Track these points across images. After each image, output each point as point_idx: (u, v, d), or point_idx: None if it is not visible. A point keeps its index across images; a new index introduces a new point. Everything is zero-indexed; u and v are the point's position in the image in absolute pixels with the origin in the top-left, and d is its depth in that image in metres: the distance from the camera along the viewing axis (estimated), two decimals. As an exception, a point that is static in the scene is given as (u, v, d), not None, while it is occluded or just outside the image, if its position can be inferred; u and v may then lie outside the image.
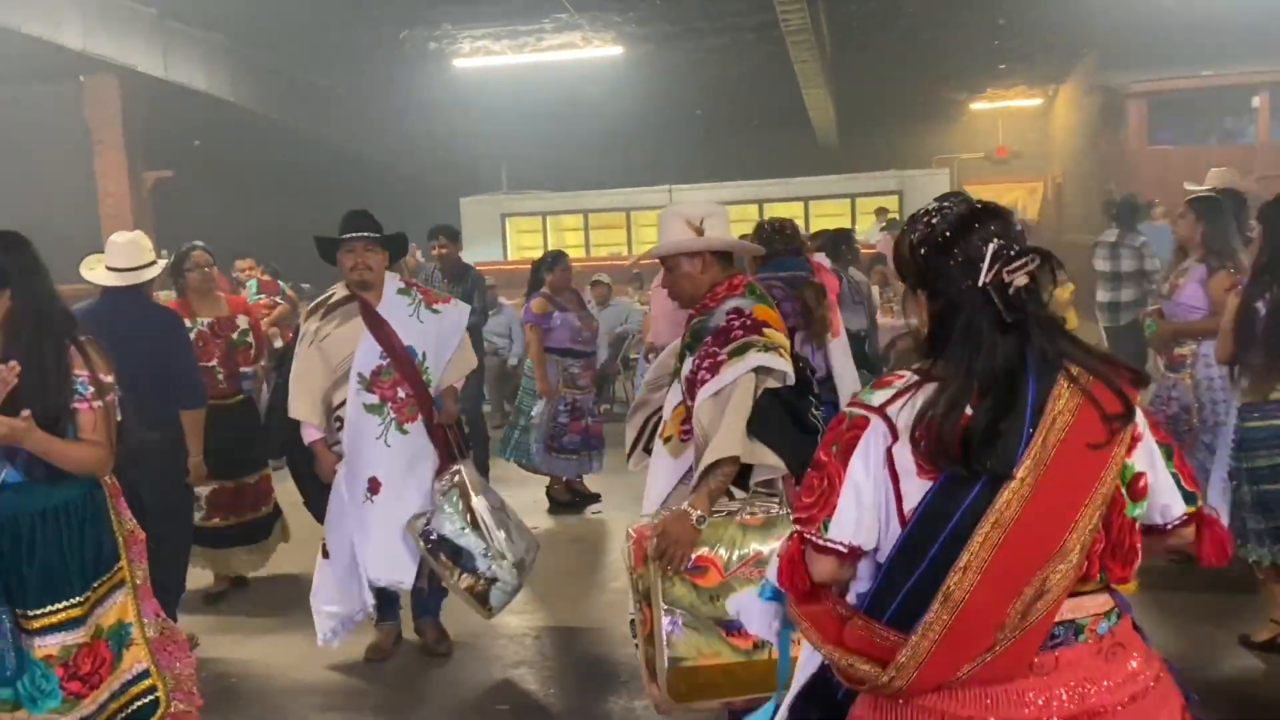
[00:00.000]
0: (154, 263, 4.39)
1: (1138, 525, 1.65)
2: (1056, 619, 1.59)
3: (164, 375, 4.18)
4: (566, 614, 4.79)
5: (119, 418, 2.83)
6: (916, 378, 1.68)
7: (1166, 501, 1.68)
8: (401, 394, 4.05)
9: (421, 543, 3.97)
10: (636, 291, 11.57)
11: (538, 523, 6.29)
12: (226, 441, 4.77)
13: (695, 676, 2.63)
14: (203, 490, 4.97)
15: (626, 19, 13.62)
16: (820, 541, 1.67)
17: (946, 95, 19.15)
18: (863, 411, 1.68)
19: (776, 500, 2.87)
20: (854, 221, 15.72)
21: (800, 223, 13.57)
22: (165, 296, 5.71)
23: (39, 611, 2.69)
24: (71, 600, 2.72)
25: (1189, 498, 1.69)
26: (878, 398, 1.68)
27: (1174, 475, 1.68)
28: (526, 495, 6.67)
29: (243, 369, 5.32)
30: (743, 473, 2.86)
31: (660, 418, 3.19)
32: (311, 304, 4.23)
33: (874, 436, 1.65)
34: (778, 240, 4.44)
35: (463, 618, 4.39)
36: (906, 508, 1.62)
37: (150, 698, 2.87)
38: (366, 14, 13.27)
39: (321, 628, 4.16)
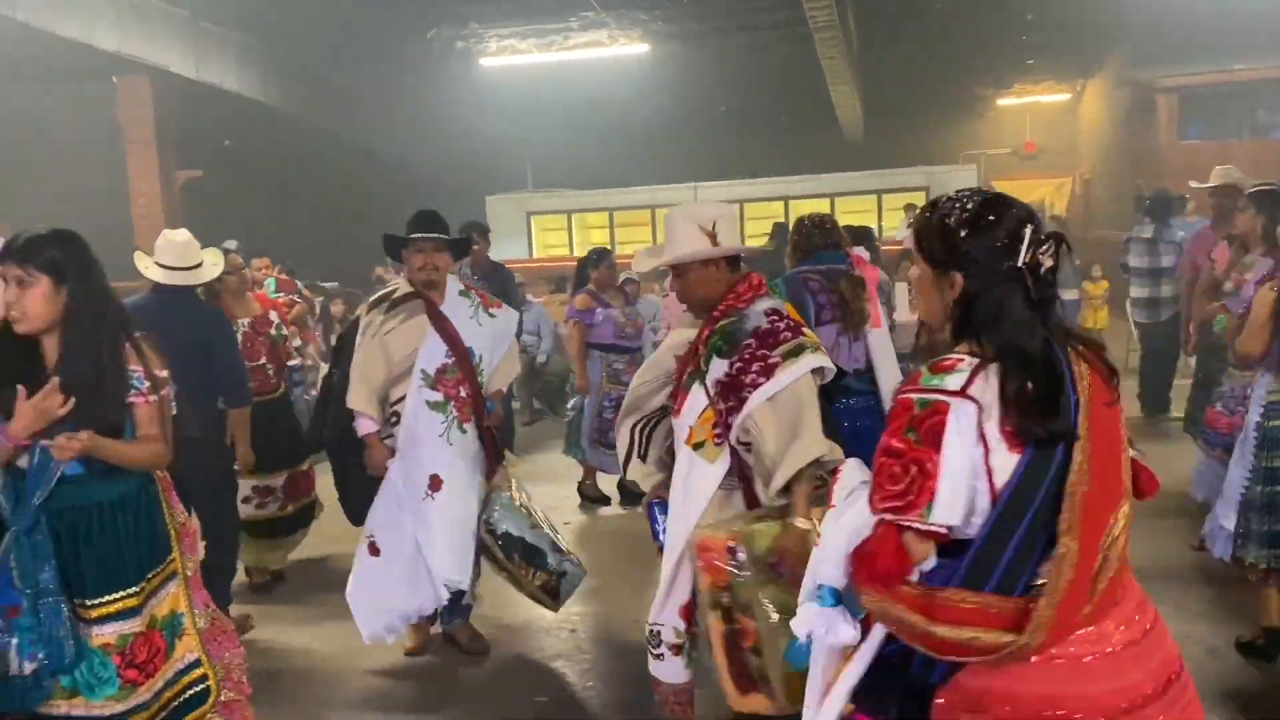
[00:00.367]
0: (201, 264, 4.47)
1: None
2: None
3: (208, 371, 4.31)
4: (601, 607, 4.83)
5: (174, 411, 2.88)
6: (975, 359, 1.76)
7: None
8: (463, 393, 4.11)
9: (495, 543, 4.02)
10: (660, 286, 11.61)
11: (569, 518, 6.34)
12: (279, 434, 4.90)
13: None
14: (258, 482, 5.11)
15: (653, 17, 13.66)
16: (923, 527, 1.72)
17: (974, 91, 19.07)
18: (941, 397, 1.73)
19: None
20: (880, 218, 15.69)
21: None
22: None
23: (96, 601, 2.74)
24: (128, 590, 2.77)
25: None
26: (953, 381, 1.74)
27: None
28: (559, 491, 6.73)
29: (290, 364, 5.45)
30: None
31: (651, 424, 3.19)
32: (373, 298, 4.22)
33: (962, 418, 1.72)
34: (817, 235, 4.46)
35: (497, 610, 4.44)
36: (998, 483, 1.72)
37: (201, 686, 2.92)
38: (395, 14, 13.38)
39: (369, 625, 4.14)
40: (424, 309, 4.10)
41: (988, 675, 1.74)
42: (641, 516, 3.46)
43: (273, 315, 5.45)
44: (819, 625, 1.88)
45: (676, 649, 3.07)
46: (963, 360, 1.76)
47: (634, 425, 3.26)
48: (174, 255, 4.40)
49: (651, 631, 3.11)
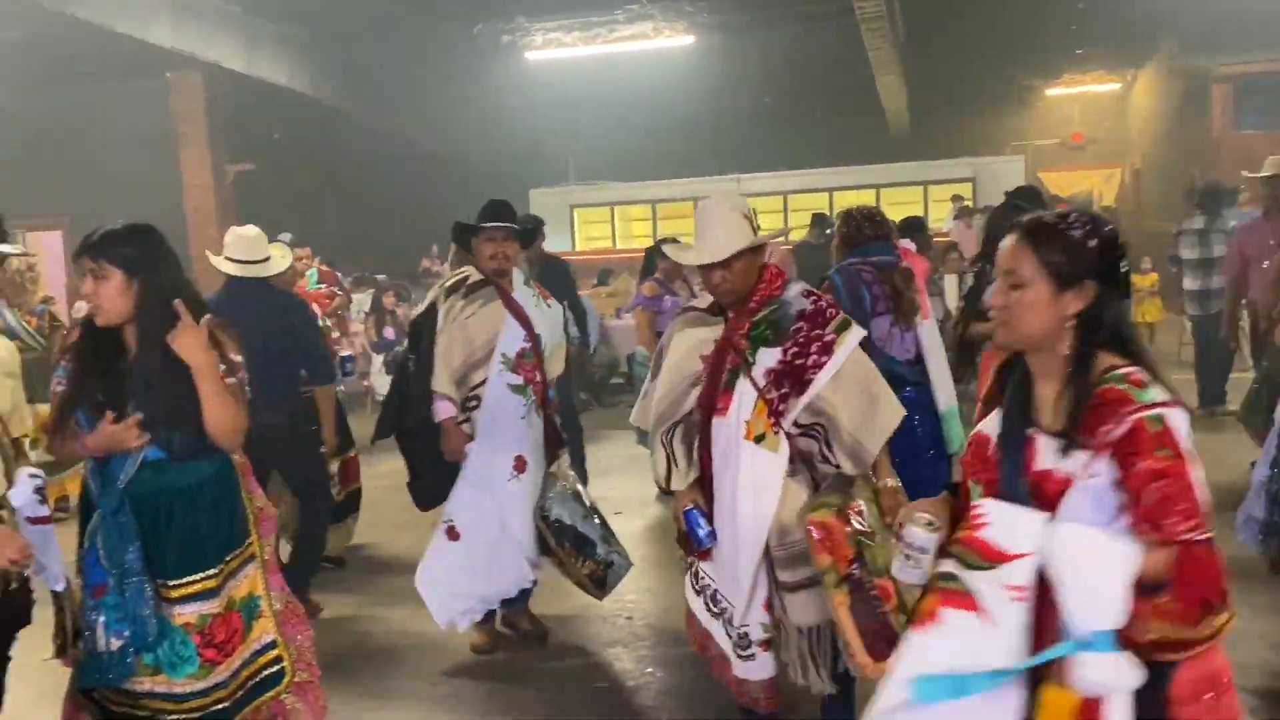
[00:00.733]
0: (269, 258, 4.63)
1: None
2: None
3: (292, 358, 4.51)
4: (656, 595, 4.89)
5: (248, 396, 2.96)
6: (1136, 368, 1.86)
7: None
8: (538, 377, 4.22)
9: (548, 530, 4.09)
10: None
11: (619, 508, 6.39)
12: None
13: None
14: None
15: (698, 8, 13.65)
16: (1205, 538, 1.78)
17: (1021, 81, 18.84)
18: (1165, 410, 1.81)
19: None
20: (926, 209, 15.57)
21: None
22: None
23: (177, 582, 2.81)
24: (207, 572, 2.84)
25: None
26: (1162, 392, 1.83)
27: None
28: (606, 481, 6.78)
29: (344, 354, 5.55)
30: None
31: (682, 428, 3.13)
32: (448, 284, 4.27)
33: (1183, 425, 1.82)
34: (868, 227, 4.48)
35: (554, 598, 4.50)
36: None
37: (277, 667, 2.97)
38: (442, 9, 13.47)
39: (445, 611, 4.19)
40: (498, 295, 4.19)
41: (1213, 654, 1.85)
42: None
43: (314, 308, 5.56)
44: (1113, 673, 1.76)
45: (766, 644, 3.08)
46: (1135, 369, 1.85)
47: (663, 435, 3.20)
48: (245, 249, 4.55)
49: (739, 635, 3.08)
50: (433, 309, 4.19)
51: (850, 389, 2.94)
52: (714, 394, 3.05)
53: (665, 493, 3.28)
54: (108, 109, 15.28)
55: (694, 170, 17.44)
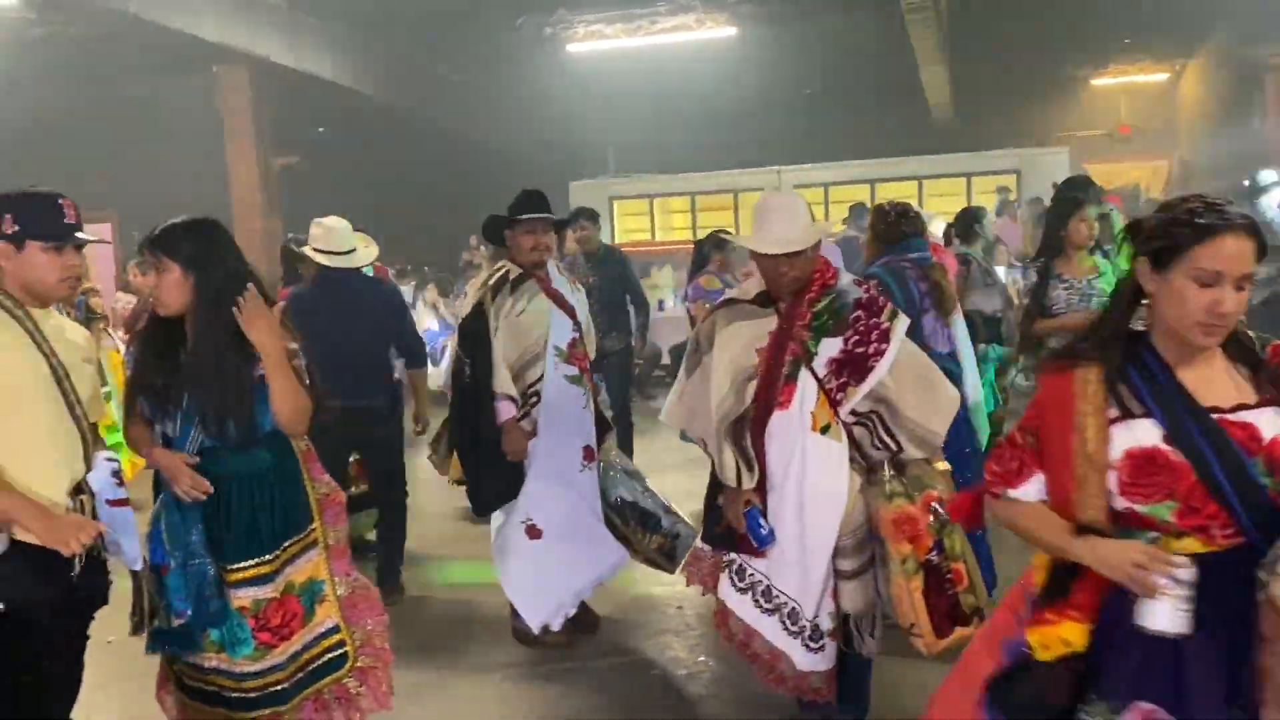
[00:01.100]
0: (355, 250, 4.76)
1: None
2: None
3: (383, 344, 4.75)
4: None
5: (307, 382, 2.98)
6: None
7: None
8: (588, 365, 4.24)
9: (613, 512, 4.11)
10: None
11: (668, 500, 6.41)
12: None
13: None
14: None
15: (741, 0, 13.61)
16: None
17: (1067, 71, 18.62)
18: None
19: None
20: (969, 201, 15.42)
21: (913, 203, 13.40)
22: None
23: (235, 566, 2.88)
24: (262, 558, 2.90)
25: None
26: None
27: None
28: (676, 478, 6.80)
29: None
30: None
31: (740, 422, 3.08)
32: (490, 282, 4.21)
33: None
34: (904, 223, 4.49)
35: (606, 590, 4.51)
36: None
37: (339, 651, 3.02)
38: (485, 2, 13.53)
39: (539, 612, 4.15)
40: (540, 288, 4.17)
41: None
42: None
43: None
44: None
45: (834, 633, 3.11)
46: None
47: (727, 434, 3.12)
48: (333, 241, 4.69)
49: (813, 628, 3.09)
50: (480, 311, 4.12)
51: (908, 375, 3.01)
52: (774, 387, 3.04)
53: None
54: (157, 103, 15.52)
55: (734, 162, 17.38)
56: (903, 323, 3.05)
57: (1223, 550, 1.82)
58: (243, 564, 2.89)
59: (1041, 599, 1.98)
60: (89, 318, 6.52)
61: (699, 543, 3.50)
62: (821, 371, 2.99)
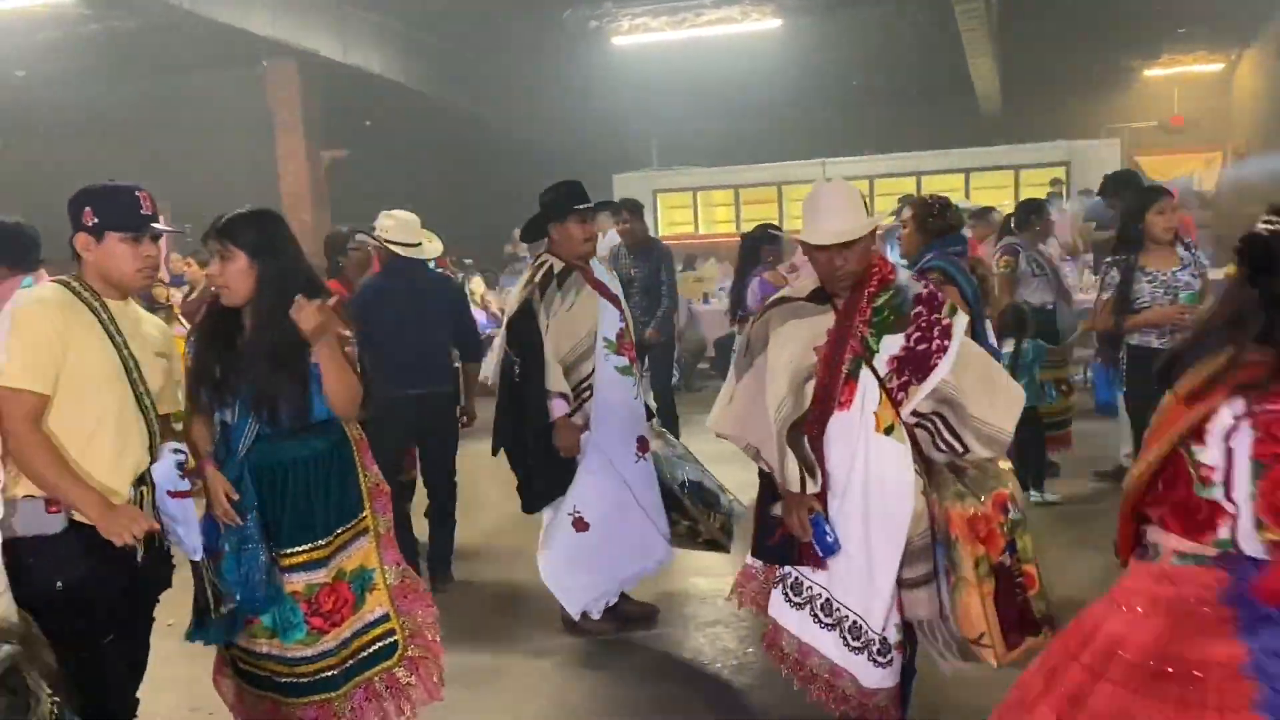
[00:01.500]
0: (422, 243, 4.89)
1: None
2: None
3: (447, 335, 4.88)
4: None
5: (358, 369, 3.01)
6: None
7: None
8: (635, 355, 4.25)
9: (684, 495, 4.12)
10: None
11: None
12: None
13: None
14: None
15: (787, -9, 13.53)
16: None
17: (1119, 61, 18.28)
18: None
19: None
20: (1017, 194, 15.22)
21: (960, 195, 13.22)
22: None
23: (288, 551, 2.93)
24: (315, 543, 2.95)
25: None
26: None
27: None
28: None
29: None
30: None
31: (800, 425, 2.94)
32: (536, 278, 4.15)
33: None
34: (950, 215, 4.46)
35: (655, 581, 4.53)
36: None
37: (389, 640, 3.06)
38: (532, -4, 13.59)
39: (579, 600, 4.19)
40: (585, 280, 4.14)
41: None
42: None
43: None
44: None
45: (900, 646, 2.96)
46: None
47: (789, 438, 2.98)
48: (405, 233, 4.82)
49: (880, 642, 2.92)
50: (528, 309, 4.07)
51: (971, 372, 2.89)
52: (834, 387, 2.90)
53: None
54: (208, 97, 15.74)
55: (778, 155, 17.30)
56: (963, 319, 2.93)
57: None
58: (296, 549, 2.93)
59: None
60: (154, 309, 6.64)
61: (749, 559, 3.31)
62: (883, 370, 2.87)
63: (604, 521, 4.13)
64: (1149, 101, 20.04)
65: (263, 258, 2.87)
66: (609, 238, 7.79)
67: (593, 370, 4.09)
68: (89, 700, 2.43)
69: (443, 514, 5.08)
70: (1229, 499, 1.80)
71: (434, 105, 16.84)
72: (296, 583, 2.92)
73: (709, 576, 4.76)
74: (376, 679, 3.03)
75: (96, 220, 2.72)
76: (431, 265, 5.28)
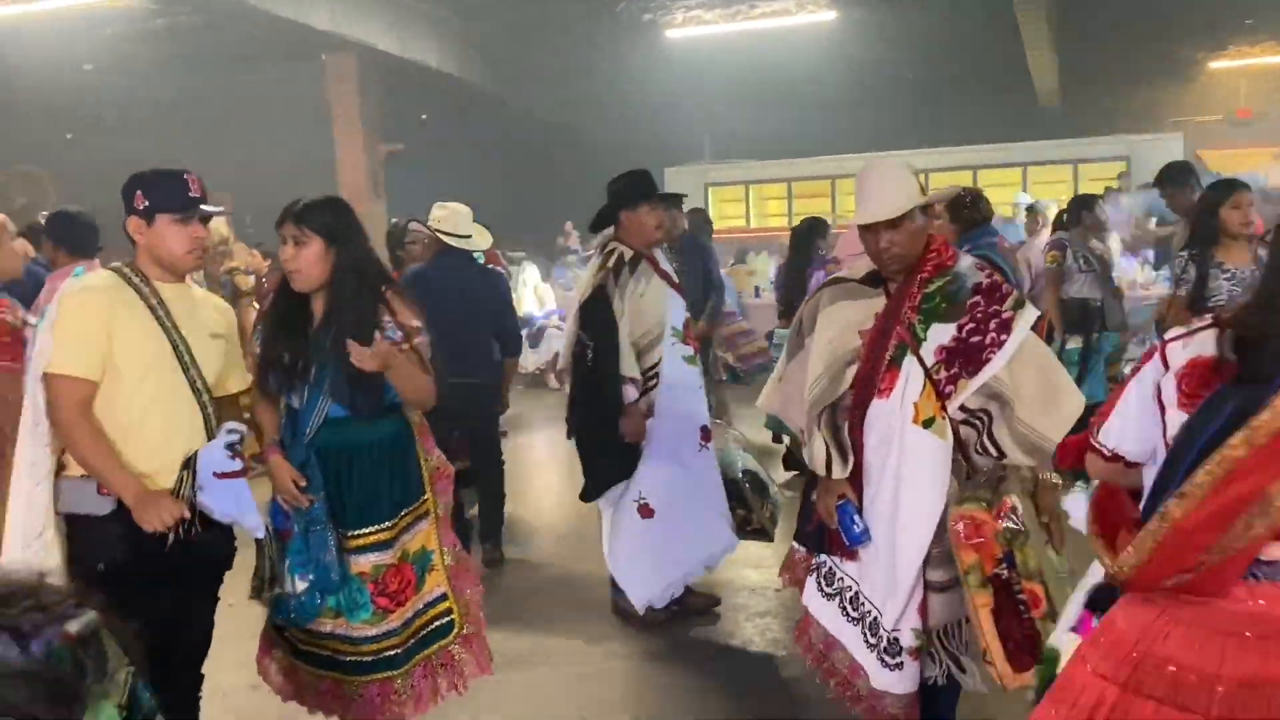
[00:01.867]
0: (472, 236, 5.00)
1: None
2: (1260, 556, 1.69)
3: (491, 326, 4.96)
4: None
5: (429, 359, 3.08)
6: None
7: None
8: (698, 345, 4.30)
9: (746, 484, 4.17)
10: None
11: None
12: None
13: None
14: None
15: (841, -18, 13.44)
16: (1092, 443, 2.01)
17: (1183, 53, 17.88)
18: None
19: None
20: (1076, 190, 14.98)
21: (1017, 190, 13.02)
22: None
23: (355, 533, 2.99)
24: (382, 525, 3.02)
25: None
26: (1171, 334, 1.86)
27: None
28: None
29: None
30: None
31: (831, 411, 2.87)
32: (610, 264, 4.14)
33: (1150, 369, 1.89)
34: (984, 206, 4.44)
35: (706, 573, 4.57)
36: (1169, 435, 1.81)
37: (447, 619, 3.14)
38: (587, -11, 13.63)
39: (645, 591, 4.18)
40: (653, 269, 4.15)
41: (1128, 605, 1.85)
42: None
43: None
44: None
45: (916, 652, 2.79)
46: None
47: (819, 420, 2.91)
48: (456, 224, 4.93)
49: (889, 641, 2.80)
50: (603, 294, 4.07)
51: (1029, 372, 2.69)
52: (875, 373, 2.78)
53: (798, 474, 3.13)
54: (267, 90, 16.01)
55: (832, 148, 17.20)
56: (1029, 314, 2.72)
57: None
58: (363, 530, 3.00)
59: None
60: (238, 294, 6.89)
61: (794, 542, 3.33)
62: (930, 360, 2.71)
63: (670, 508, 4.12)
64: (1214, 94, 19.60)
65: (337, 243, 2.93)
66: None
67: (659, 359, 4.10)
68: (154, 674, 2.50)
69: (490, 497, 5.19)
70: None
71: (488, 98, 16.97)
72: (364, 564, 2.99)
73: (761, 568, 4.78)
74: (434, 656, 3.11)
75: (147, 203, 2.76)
76: (479, 259, 5.34)
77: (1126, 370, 6.72)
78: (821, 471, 2.87)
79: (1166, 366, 1.82)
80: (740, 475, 4.25)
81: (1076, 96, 18.38)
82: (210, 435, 2.83)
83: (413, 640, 3.07)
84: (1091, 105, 18.28)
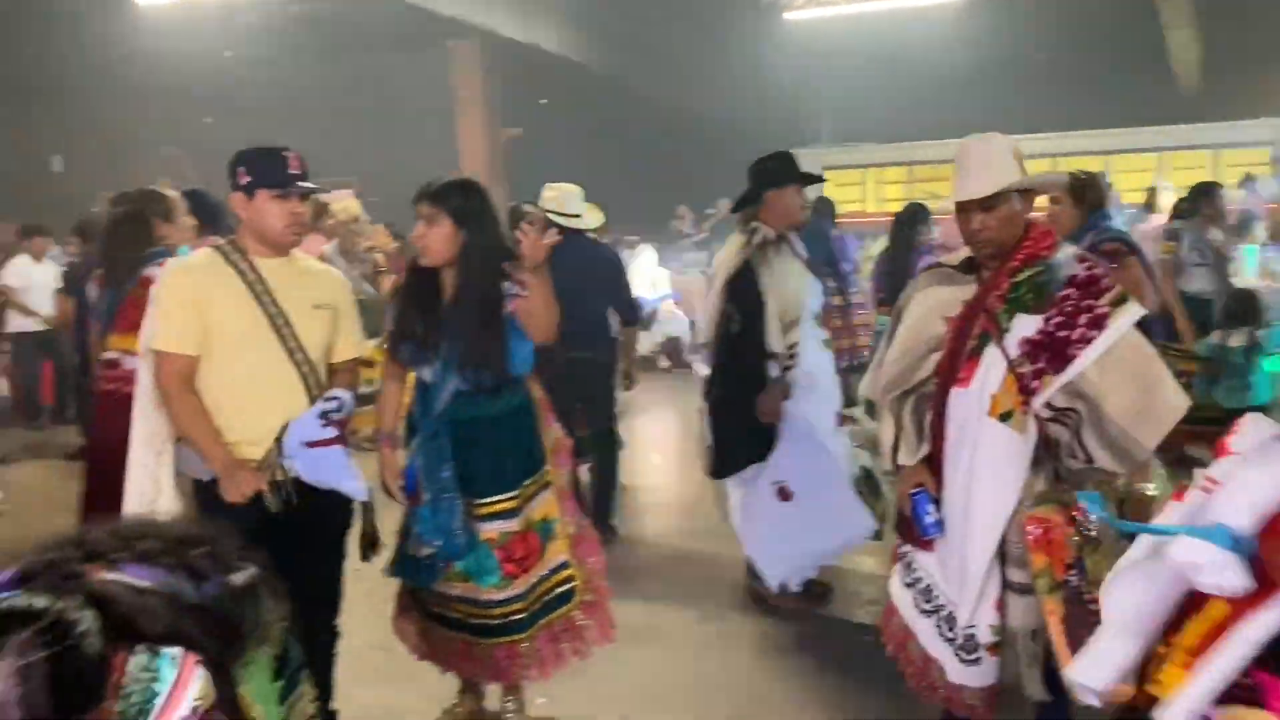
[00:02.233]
0: (581, 215, 5.10)
1: None
2: None
3: (606, 301, 5.12)
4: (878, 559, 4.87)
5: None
6: None
7: None
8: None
9: (864, 475, 4.18)
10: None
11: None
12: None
13: None
14: None
15: (968, -39, 13.09)
16: None
17: (1337, 32, 16.86)
18: None
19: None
20: (1215, 177, 14.30)
21: (1151, 177, 12.51)
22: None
23: (484, 501, 3.11)
24: (508, 494, 3.13)
25: None
26: None
27: None
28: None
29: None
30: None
31: (915, 398, 2.81)
32: (755, 241, 4.11)
33: None
34: (1101, 188, 4.29)
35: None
36: None
37: (568, 586, 3.23)
38: (706, -29, 13.59)
39: (782, 570, 4.20)
40: (792, 251, 4.15)
41: None
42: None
43: None
44: (1205, 558, 1.59)
45: (994, 648, 2.72)
46: None
47: (893, 403, 2.87)
48: (566, 204, 5.03)
49: (966, 637, 2.73)
50: (749, 270, 4.04)
51: (1121, 373, 2.52)
52: (956, 361, 2.70)
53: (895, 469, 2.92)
54: (394, 76, 16.44)
55: (955, 131, 16.66)
56: (1130, 312, 2.54)
57: None
58: (491, 499, 3.12)
59: None
60: (378, 272, 7.25)
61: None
62: (1014, 352, 2.59)
63: (808, 492, 4.09)
64: (1371, 75, 18.42)
65: (468, 224, 3.03)
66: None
67: (798, 340, 4.08)
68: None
69: (605, 471, 5.29)
70: None
71: (606, 82, 17.09)
72: (492, 531, 3.10)
73: (871, 555, 4.75)
74: (557, 622, 3.21)
75: (249, 179, 2.88)
76: (592, 237, 5.44)
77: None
78: (888, 455, 2.84)
79: None
80: (857, 471, 4.22)
81: (1217, 78, 17.49)
82: (313, 403, 2.95)
83: (538, 605, 3.18)
84: (1234, 87, 17.36)
